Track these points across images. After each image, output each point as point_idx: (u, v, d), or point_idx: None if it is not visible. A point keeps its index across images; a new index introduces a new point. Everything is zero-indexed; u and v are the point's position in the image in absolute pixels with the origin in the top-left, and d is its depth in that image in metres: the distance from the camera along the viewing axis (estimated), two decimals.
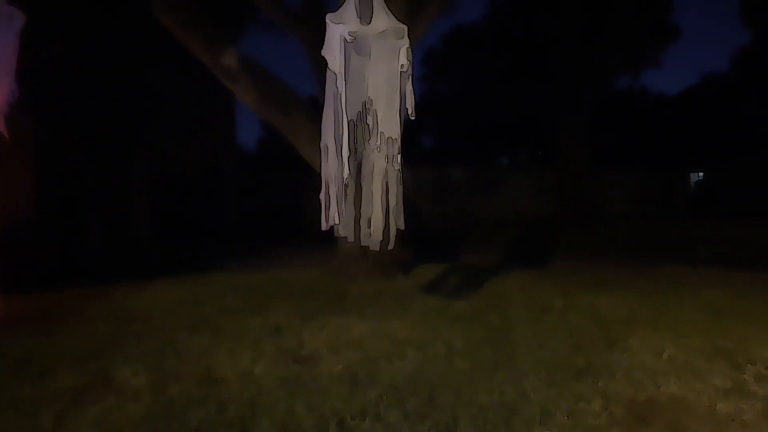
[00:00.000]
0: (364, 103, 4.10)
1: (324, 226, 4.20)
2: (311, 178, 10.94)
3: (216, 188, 16.28)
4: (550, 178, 20.10)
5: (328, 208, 4.15)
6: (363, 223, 4.13)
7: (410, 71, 4.11)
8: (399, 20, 4.08)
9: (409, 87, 4.11)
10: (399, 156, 4.17)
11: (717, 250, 10.31)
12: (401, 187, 4.13)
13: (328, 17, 4.16)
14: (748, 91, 26.55)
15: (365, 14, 4.01)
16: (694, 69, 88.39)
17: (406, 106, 4.12)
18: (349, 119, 4.10)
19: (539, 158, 28.77)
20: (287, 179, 17.84)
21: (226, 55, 7.41)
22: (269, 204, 17.88)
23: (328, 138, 4.20)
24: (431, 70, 28.82)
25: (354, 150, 4.13)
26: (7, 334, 5.18)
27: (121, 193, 13.49)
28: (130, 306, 6.32)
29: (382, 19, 4.01)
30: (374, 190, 4.08)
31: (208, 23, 7.57)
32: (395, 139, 4.16)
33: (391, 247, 4.22)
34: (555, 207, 18.83)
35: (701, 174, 26.65)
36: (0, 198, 9.17)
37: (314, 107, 8.25)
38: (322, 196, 4.16)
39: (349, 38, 4.02)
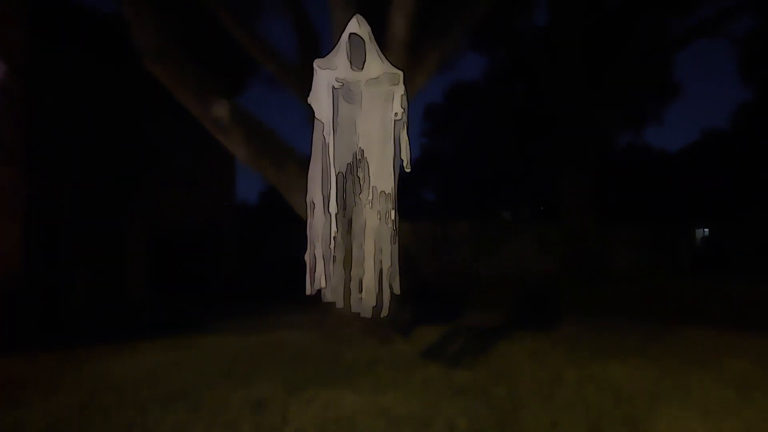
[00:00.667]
0: (355, 154, 3.74)
1: (309, 290, 3.79)
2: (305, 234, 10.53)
3: (214, 243, 15.87)
4: (554, 233, 19.69)
5: (314, 270, 3.74)
6: (354, 286, 3.70)
7: (405, 120, 3.76)
8: (394, 66, 3.76)
9: (404, 137, 3.75)
10: (393, 212, 3.78)
11: (730, 311, 9.80)
12: (396, 246, 3.72)
13: (316, 63, 3.86)
14: (750, 146, 26.48)
15: (357, 60, 3.70)
16: (695, 125, 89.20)
17: (401, 158, 3.76)
18: (338, 172, 3.75)
19: (542, 213, 28.49)
20: (286, 234, 17.42)
21: (217, 106, 7.15)
22: (268, 259, 17.44)
23: (314, 193, 3.83)
24: (432, 126, 28.89)
25: (343, 206, 3.75)
26: None
27: (115, 247, 13.10)
28: (105, 373, 5.81)
29: (376, 65, 3.70)
30: (366, 250, 3.67)
31: (199, 74, 7.35)
32: (388, 193, 3.77)
33: (385, 314, 3.78)
34: (560, 263, 18.35)
35: (707, 230, 26.24)
36: None
37: (308, 161, 7.96)
38: (307, 256, 3.75)
39: (336, 84, 3.69)
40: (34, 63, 9.94)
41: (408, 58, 6.75)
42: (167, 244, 14.04)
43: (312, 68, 3.98)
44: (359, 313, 3.74)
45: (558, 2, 16.75)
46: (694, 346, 6.79)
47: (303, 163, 7.73)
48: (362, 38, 3.68)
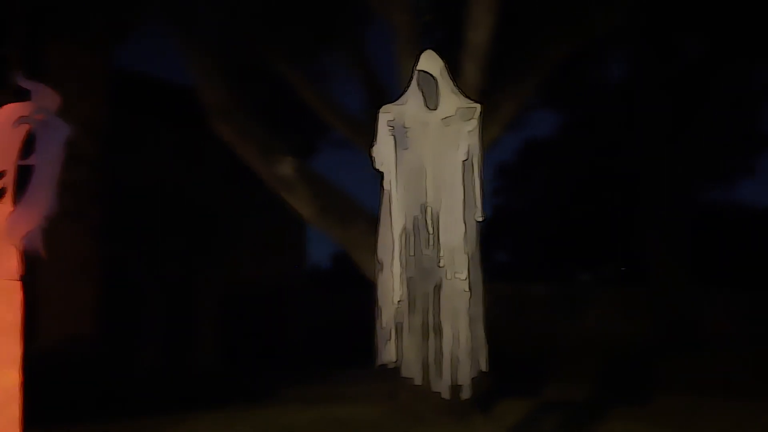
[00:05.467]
0: (423, 206, 3.26)
1: (379, 362, 3.26)
2: None
3: (285, 307, 15.65)
4: (641, 295, 18.32)
5: (387, 339, 3.21)
6: (431, 361, 3.14)
7: (479, 162, 3.26)
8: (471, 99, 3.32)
9: (477, 181, 3.24)
10: (468, 272, 3.23)
11: None
12: (478, 311, 3.16)
13: (383, 109, 3.46)
14: None
15: (429, 98, 3.27)
16: None
17: (476, 205, 3.24)
18: (403, 226, 3.26)
19: (623, 273, 26.86)
20: (359, 297, 17.03)
21: (281, 164, 6.97)
22: (340, 323, 17.00)
23: (383, 252, 3.35)
24: (505, 184, 28.20)
25: (408, 266, 3.24)
26: None
27: (185, 312, 13.11)
28: None
29: (450, 101, 3.27)
30: (443, 319, 3.12)
31: (264, 133, 7.24)
32: (462, 249, 3.23)
33: (467, 395, 3.19)
34: (648, 329, 16.92)
35: None
36: (60, 316, 8.92)
37: (377, 220, 7.57)
38: (378, 324, 3.24)
39: (403, 128, 3.28)
40: (112, 133, 10.31)
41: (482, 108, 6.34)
42: (237, 308, 13.91)
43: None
44: (440, 393, 3.16)
45: (637, 51, 16.14)
46: None
47: (371, 221, 7.38)
48: (433, 75, 3.27)
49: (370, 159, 3.49)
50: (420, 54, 3.41)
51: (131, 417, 6.91)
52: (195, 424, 6.53)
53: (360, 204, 7.62)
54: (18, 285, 5.45)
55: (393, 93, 8.02)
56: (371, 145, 3.90)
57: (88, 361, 8.40)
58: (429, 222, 3.23)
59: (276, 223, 14.91)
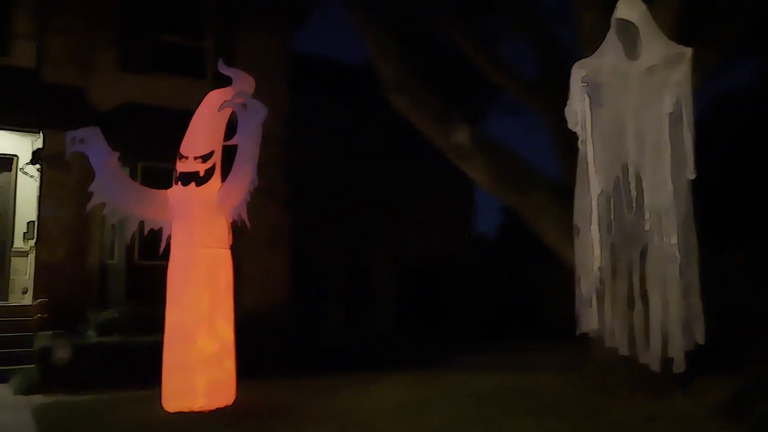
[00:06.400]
0: (624, 166, 3.03)
1: (580, 330, 3.12)
2: (556, 267, 9.71)
3: (455, 277, 15.78)
4: None
5: (588, 306, 3.07)
6: (638, 331, 2.94)
7: (689, 113, 2.94)
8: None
9: (687, 135, 2.92)
10: (677, 235, 2.95)
11: None
12: (694, 279, 2.89)
13: (577, 65, 3.25)
14: None
15: (631, 49, 3.01)
16: None
17: (686, 161, 2.93)
18: (601, 189, 3.07)
19: None
20: (528, 268, 16.63)
21: (458, 133, 6.91)
22: (509, 295, 16.75)
23: (580, 218, 3.19)
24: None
25: (610, 230, 3.05)
26: (232, 430, 4.94)
27: (364, 281, 13.77)
28: (354, 407, 5.80)
29: (655, 48, 2.98)
30: (650, 287, 2.89)
31: (439, 103, 7.21)
32: (670, 210, 2.95)
33: (679, 369, 2.95)
34: None
35: None
36: (259, 282, 9.83)
37: (558, 187, 7.26)
38: (578, 291, 3.10)
39: (599, 83, 3.05)
40: (293, 113, 11.01)
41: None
42: (409, 279, 14.29)
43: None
44: (648, 365, 2.95)
45: None
46: None
47: (551, 188, 7.13)
48: (633, 23, 3.00)
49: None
50: (617, 3, 3.14)
51: (322, 375, 7.41)
52: (381, 384, 6.83)
53: (537, 171, 7.36)
54: (229, 253, 6.09)
55: (571, 51, 7.58)
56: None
57: (284, 324, 9.12)
58: (632, 183, 3.00)
59: (445, 194, 15.02)
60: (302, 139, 11.80)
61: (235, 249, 6.14)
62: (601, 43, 3.24)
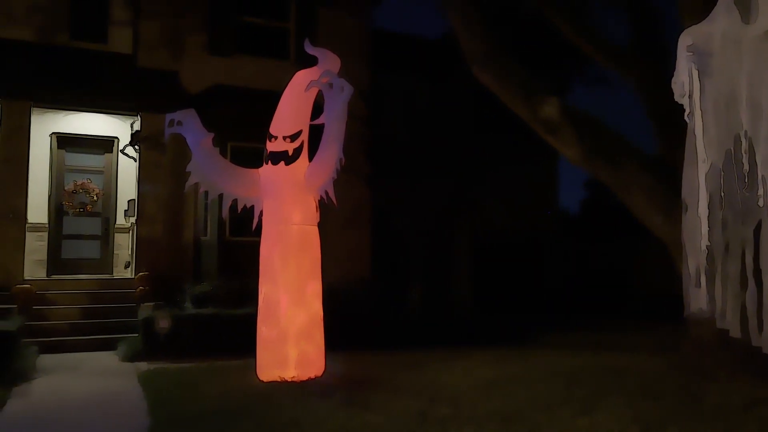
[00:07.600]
0: (738, 137, 2.85)
1: (687, 311, 3.00)
2: (644, 243, 9.32)
3: (536, 254, 15.48)
4: None
5: (696, 286, 2.94)
6: (751, 312, 2.78)
7: None
8: None
9: None
10: None
11: None
12: None
13: (685, 33, 3.07)
14: None
15: (745, 14, 2.80)
16: None
17: None
18: (711, 163, 2.91)
19: None
20: (613, 244, 16.08)
21: (546, 105, 6.72)
22: (593, 272, 16.27)
23: (688, 193, 3.03)
24: None
25: (721, 206, 2.89)
26: (325, 400, 5.11)
27: (443, 258, 13.75)
28: (441, 382, 5.84)
29: None
30: (764, 266, 2.72)
31: (526, 76, 7.02)
32: None
33: None
34: None
35: None
36: (342, 258, 10.05)
37: (651, 158, 6.95)
38: (685, 270, 2.97)
39: (708, 52, 2.87)
40: (374, 90, 11.06)
41: None
42: (490, 256, 14.14)
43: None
44: (761, 348, 2.80)
45: None
46: None
47: (643, 160, 6.83)
48: None
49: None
50: None
51: (405, 350, 7.50)
52: (465, 360, 6.84)
53: (629, 143, 7.05)
54: (317, 230, 6.25)
55: (665, 19, 7.18)
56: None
57: (365, 299, 9.28)
58: (745, 156, 2.82)
59: (526, 170, 14.70)
60: (382, 116, 11.86)
61: (319, 225, 6.28)
62: (703, 11, 3.05)
